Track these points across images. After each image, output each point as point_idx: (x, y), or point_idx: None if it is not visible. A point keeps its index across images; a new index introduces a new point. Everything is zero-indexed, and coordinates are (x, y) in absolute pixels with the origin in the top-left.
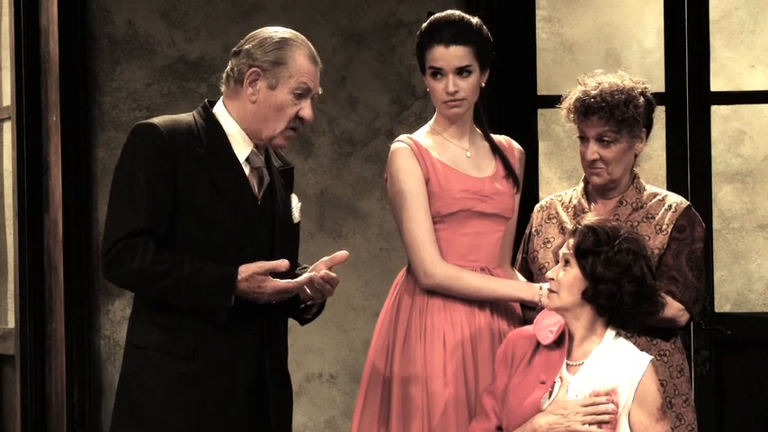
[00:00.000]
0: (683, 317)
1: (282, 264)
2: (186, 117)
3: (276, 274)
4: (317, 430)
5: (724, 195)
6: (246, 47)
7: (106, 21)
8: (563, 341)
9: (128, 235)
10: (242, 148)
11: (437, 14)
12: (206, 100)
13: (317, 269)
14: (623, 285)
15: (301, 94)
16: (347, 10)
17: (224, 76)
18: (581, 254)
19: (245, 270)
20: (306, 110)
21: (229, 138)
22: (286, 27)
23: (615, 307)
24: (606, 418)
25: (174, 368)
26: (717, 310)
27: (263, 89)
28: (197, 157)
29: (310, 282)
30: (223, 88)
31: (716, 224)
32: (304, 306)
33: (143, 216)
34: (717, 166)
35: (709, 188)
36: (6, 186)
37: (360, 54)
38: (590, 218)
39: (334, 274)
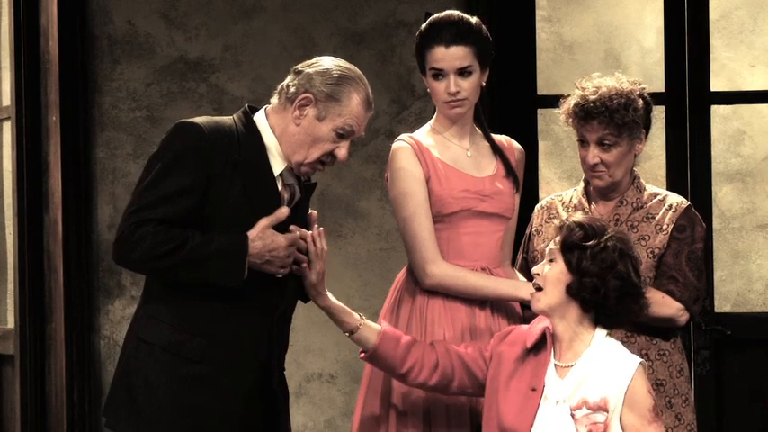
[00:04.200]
0: (683, 316)
1: (283, 210)
2: (227, 121)
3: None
4: (316, 430)
5: (724, 195)
6: (309, 70)
7: (106, 21)
8: (545, 345)
9: (143, 221)
10: (278, 162)
11: (436, 15)
12: (246, 105)
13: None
14: (608, 281)
15: (343, 134)
16: (347, 10)
17: (278, 87)
18: (567, 248)
19: (254, 229)
20: (342, 150)
21: (267, 150)
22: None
23: (599, 302)
24: None
25: (179, 369)
26: (717, 310)
27: (310, 117)
28: (235, 163)
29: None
30: (274, 99)
31: (716, 224)
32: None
33: (164, 210)
34: (717, 166)
35: (710, 188)
36: (6, 186)
37: (360, 54)
38: (578, 215)
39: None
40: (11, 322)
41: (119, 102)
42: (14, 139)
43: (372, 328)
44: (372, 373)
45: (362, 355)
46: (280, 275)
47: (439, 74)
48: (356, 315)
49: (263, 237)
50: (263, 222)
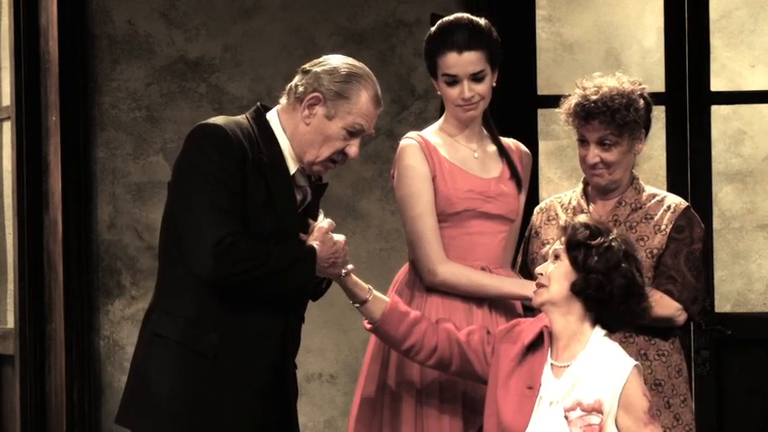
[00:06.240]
0: (681, 317)
1: (330, 224)
2: (242, 121)
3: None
4: (316, 430)
5: (724, 195)
6: (317, 69)
7: (106, 21)
8: (543, 344)
9: (231, 233)
10: (291, 163)
11: (445, 19)
12: (259, 104)
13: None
14: (613, 279)
15: (354, 132)
16: (347, 10)
17: (287, 87)
18: (573, 246)
19: (312, 236)
20: (353, 148)
21: (281, 151)
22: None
23: (604, 300)
24: None
25: (193, 364)
26: (717, 310)
27: (320, 116)
28: (260, 162)
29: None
30: (283, 99)
31: (716, 224)
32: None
33: (236, 221)
34: (717, 166)
35: (710, 188)
36: (6, 186)
37: (360, 54)
38: (583, 217)
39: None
40: (11, 322)
41: (119, 102)
42: (14, 139)
43: (379, 305)
44: (369, 373)
45: (368, 327)
46: (343, 276)
47: (452, 80)
48: (366, 287)
49: (324, 241)
50: (323, 228)
